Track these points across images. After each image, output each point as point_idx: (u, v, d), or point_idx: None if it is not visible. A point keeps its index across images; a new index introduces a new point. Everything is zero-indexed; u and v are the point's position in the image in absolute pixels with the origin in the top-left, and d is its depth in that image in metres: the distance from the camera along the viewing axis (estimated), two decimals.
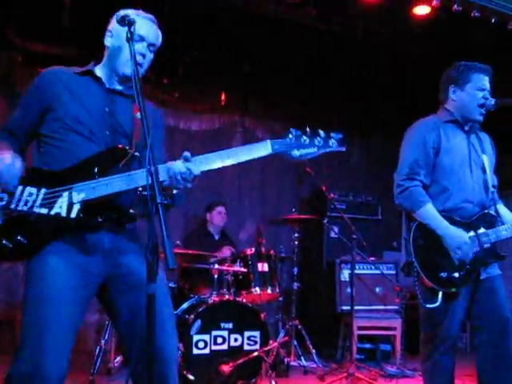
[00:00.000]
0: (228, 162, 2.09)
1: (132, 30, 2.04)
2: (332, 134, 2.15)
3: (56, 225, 2.09)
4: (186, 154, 2.08)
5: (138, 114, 1.98)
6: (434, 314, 2.92)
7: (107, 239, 2.16)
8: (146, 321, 1.77)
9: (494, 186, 3.16)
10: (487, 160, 3.11)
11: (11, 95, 5.58)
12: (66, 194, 2.09)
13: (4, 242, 2.09)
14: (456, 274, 2.89)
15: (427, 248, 2.92)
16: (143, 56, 2.27)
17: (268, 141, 2.11)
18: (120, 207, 2.16)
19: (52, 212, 2.09)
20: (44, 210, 2.09)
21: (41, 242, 2.10)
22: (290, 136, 2.12)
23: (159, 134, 2.39)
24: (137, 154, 2.14)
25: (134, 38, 2.07)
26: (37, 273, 2.10)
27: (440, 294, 2.86)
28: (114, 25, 2.28)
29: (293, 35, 5.53)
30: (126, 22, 2.05)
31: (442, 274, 2.88)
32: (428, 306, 2.87)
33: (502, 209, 3.16)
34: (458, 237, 2.89)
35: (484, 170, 3.09)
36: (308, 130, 2.13)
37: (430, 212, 2.92)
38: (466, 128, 3.11)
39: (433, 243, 2.92)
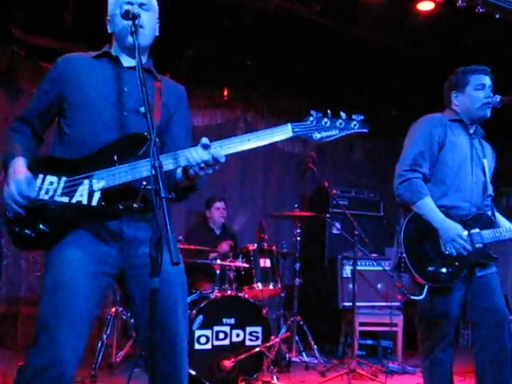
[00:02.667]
0: (249, 146, 2.05)
1: (136, 23, 2.04)
2: (354, 116, 2.12)
3: (77, 213, 2.08)
4: (205, 140, 2.03)
5: (142, 108, 1.97)
6: (422, 308, 2.95)
7: (127, 229, 2.14)
8: (162, 314, 1.81)
9: (490, 195, 3.17)
10: (487, 165, 3.13)
11: (13, 89, 5.58)
12: (86, 181, 2.08)
13: (26, 231, 2.09)
14: (443, 270, 2.89)
15: (418, 240, 2.94)
16: (138, 16, 2.15)
17: (289, 124, 2.06)
18: (136, 196, 2.10)
19: (73, 200, 2.08)
20: (65, 199, 2.08)
21: (63, 231, 2.10)
22: (311, 118, 2.07)
23: (184, 114, 2.36)
24: (157, 139, 2.05)
25: (138, 33, 2.06)
26: (54, 262, 2.11)
27: (426, 288, 2.87)
28: (109, 9, 2.25)
29: (297, 31, 5.50)
30: (131, 16, 2.05)
31: (430, 268, 2.89)
32: (412, 297, 2.90)
33: (498, 215, 3.16)
34: (453, 229, 2.90)
35: (484, 173, 3.10)
36: (329, 111, 2.10)
37: (428, 204, 2.92)
38: (471, 131, 3.13)
39: (425, 236, 2.93)
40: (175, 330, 2.13)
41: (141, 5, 2.20)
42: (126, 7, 2.11)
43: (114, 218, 2.11)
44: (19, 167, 2.11)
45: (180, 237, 5.18)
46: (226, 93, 6.73)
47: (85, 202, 2.07)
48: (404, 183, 2.97)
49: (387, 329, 5.69)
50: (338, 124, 2.09)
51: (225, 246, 5.38)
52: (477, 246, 2.95)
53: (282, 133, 2.06)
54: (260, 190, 6.98)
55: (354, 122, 2.12)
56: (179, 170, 2.17)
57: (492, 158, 3.23)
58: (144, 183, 2.00)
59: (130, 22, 2.08)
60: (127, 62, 2.26)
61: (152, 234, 1.72)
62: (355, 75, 6.33)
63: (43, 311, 2.06)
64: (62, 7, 5.02)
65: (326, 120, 2.08)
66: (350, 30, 5.55)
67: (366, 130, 2.13)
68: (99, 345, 4.58)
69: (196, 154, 2.02)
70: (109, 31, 2.30)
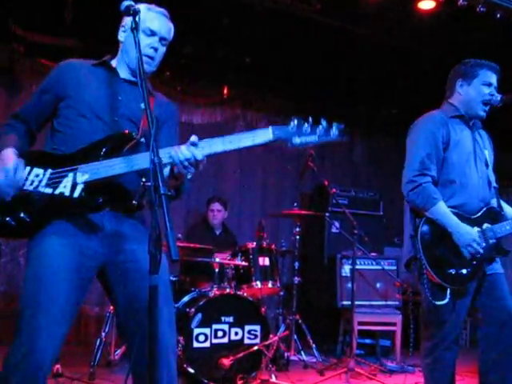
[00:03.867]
0: (230, 147, 2.10)
1: (137, 19, 2.04)
2: (333, 124, 2.16)
3: (59, 204, 2.13)
4: (194, 138, 2.07)
5: (142, 105, 1.99)
6: (442, 311, 2.90)
7: (108, 223, 2.19)
8: (143, 311, 1.81)
9: (495, 187, 3.15)
10: (488, 156, 3.12)
11: (13, 86, 5.58)
12: (70, 174, 2.14)
13: (7, 219, 2.13)
14: (464, 271, 2.87)
15: (435, 244, 2.90)
16: (155, 50, 2.31)
17: (270, 127, 2.12)
18: (123, 191, 2.19)
19: (56, 192, 2.13)
20: (48, 190, 2.14)
21: (43, 221, 2.14)
22: (292, 124, 2.13)
23: (172, 127, 2.43)
24: (142, 140, 2.18)
25: (139, 28, 2.09)
26: (34, 254, 2.14)
27: (448, 291, 2.84)
28: (126, 20, 2.33)
29: (297, 29, 5.50)
30: (131, 12, 2.05)
31: (451, 271, 2.86)
32: (437, 303, 2.84)
33: (504, 205, 3.15)
34: (468, 233, 2.87)
35: (487, 165, 3.09)
36: (310, 118, 2.15)
37: (441, 209, 2.88)
38: (471, 124, 3.11)
39: (441, 239, 2.90)
40: (159, 331, 2.12)
41: (162, 39, 2.33)
42: (128, 4, 2.10)
43: (94, 211, 2.14)
44: (8, 155, 2.15)
45: (179, 235, 5.18)
46: (225, 91, 6.72)
47: (67, 193, 2.13)
48: (416, 189, 2.91)
49: (386, 328, 5.69)
50: (317, 131, 2.14)
51: None
52: (490, 241, 2.93)
53: (262, 136, 2.12)
54: (259, 189, 6.98)
55: (333, 131, 2.16)
56: (166, 171, 2.19)
57: (491, 146, 3.21)
58: (143, 180, 2.02)
59: (152, 51, 2.27)
60: (124, 75, 2.36)
61: (151, 230, 1.72)
62: (355, 74, 6.32)
63: (23, 303, 2.09)
64: (61, 5, 5.01)
65: (306, 126, 2.14)
66: (350, 29, 5.53)
67: (343, 139, 2.18)
68: (98, 342, 4.57)
69: (179, 152, 2.04)
70: (119, 39, 2.38)
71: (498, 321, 2.91)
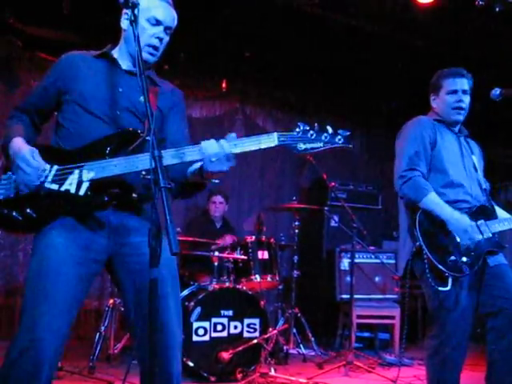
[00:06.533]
0: (234, 151, 2.11)
1: (136, 12, 2.02)
2: (339, 131, 2.15)
3: (65, 201, 2.13)
4: (233, 135, 2.10)
5: (142, 98, 1.98)
6: (445, 298, 2.90)
7: (114, 217, 2.18)
8: (149, 305, 1.78)
9: (485, 189, 3.19)
10: (477, 161, 3.16)
11: (11, 79, 5.56)
12: (76, 171, 2.13)
13: (14, 214, 2.14)
14: (464, 259, 2.89)
15: (434, 233, 2.92)
16: (160, 40, 2.28)
17: (275, 133, 2.11)
18: (128, 187, 2.18)
19: (62, 188, 2.13)
20: (55, 186, 2.13)
21: (49, 217, 2.14)
22: (298, 130, 2.12)
23: (178, 114, 2.41)
24: (148, 138, 2.14)
25: (138, 22, 2.07)
26: (39, 248, 2.14)
27: (450, 279, 2.85)
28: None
29: (295, 22, 5.48)
30: (130, 5, 2.03)
31: (451, 258, 2.87)
32: (440, 288, 2.85)
33: (496, 206, 3.18)
34: (463, 220, 2.90)
35: (476, 169, 3.14)
36: (316, 125, 2.13)
37: (434, 199, 2.92)
38: (455, 130, 3.17)
39: (439, 228, 2.92)
40: (166, 322, 2.13)
41: (167, 29, 2.30)
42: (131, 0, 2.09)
43: (100, 209, 2.14)
44: (20, 144, 2.16)
45: (178, 229, 5.18)
46: (224, 85, 6.70)
47: (73, 190, 2.12)
48: (407, 183, 2.95)
49: (384, 321, 5.71)
50: (323, 137, 2.13)
51: (228, 239, 5.37)
52: (485, 235, 2.96)
53: (267, 141, 2.11)
54: (258, 182, 6.97)
55: (339, 137, 2.15)
56: (196, 165, 2.19)
57: (480, 154, 3.27)
58: (143, 173, 2.03)
59: (157, 41, 2.25)
60: (126, 65, 2.33)
61: (151, 224, 1.72)
62: (355, 68, 6.31)
63: (26, 295, 2.09)
64: None
65: (312, 132, 2.12)
66: (347, 23, 5.52)
67: (349, 146, 2.17)
68: (97, 336, 4.57)
69: (209, 145, 2.05)
70: (121, 26, 2.33)
71: (506, 313, 2.90)
